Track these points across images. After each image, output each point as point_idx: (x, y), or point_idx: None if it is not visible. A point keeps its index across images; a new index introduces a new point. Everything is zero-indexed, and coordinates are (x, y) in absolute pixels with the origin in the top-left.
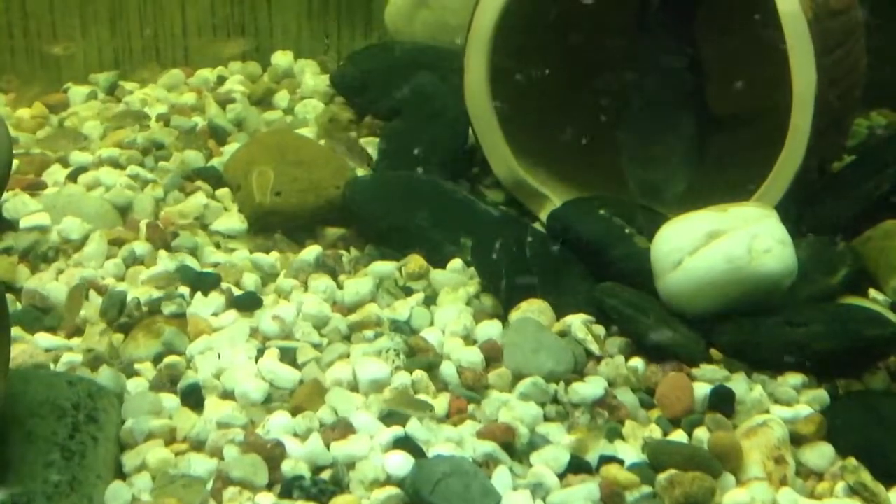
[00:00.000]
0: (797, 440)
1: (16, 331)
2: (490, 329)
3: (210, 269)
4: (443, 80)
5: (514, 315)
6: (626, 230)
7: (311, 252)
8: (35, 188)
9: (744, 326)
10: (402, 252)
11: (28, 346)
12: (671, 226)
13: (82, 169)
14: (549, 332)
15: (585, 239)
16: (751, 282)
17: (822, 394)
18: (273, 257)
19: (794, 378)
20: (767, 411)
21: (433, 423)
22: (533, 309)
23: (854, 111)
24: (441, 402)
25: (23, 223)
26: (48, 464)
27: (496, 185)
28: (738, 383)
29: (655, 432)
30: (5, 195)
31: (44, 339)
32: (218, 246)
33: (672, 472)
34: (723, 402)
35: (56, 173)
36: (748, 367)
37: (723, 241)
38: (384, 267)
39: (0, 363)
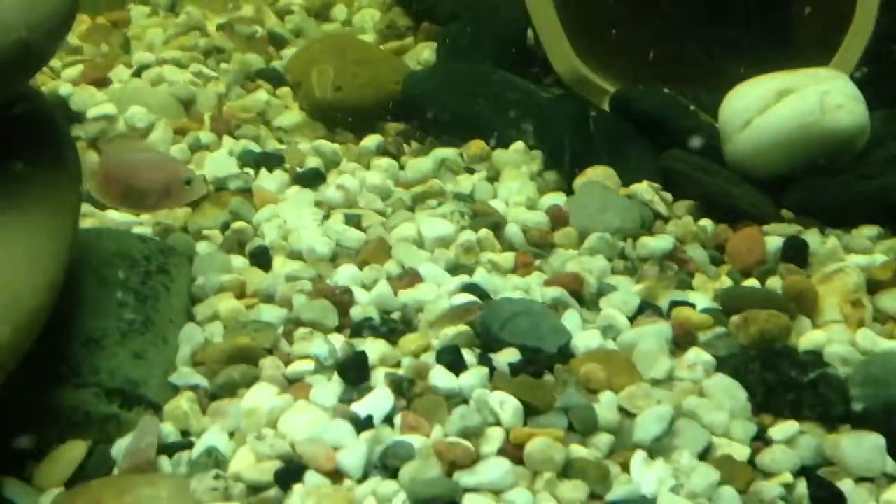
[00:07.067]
0: (873, 287)
1: (85, 207)
2: (554, 199)
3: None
4: None
5: (579, 181)
6: (691, 107)
7: (373, 140)
8: (101, 84)
9: (816, 182)
10: (463, 140)
11: (97, 221)
12: (741, 87)
13: (146, 67)
14: (615, 192)
15: (651, 113)
16: (822, 138)
17: None
18: (335, 146)
19: (870, 230)
20: (842, 261)
21: (499, 274)
22: (598, 174)
23: None
24: (507, 258)
25: (90, 113)
26: (121, 304)
27: (556, 84)
28: (812, 236)
29: (726, 284)
30: (71, 88)
31: (114, 213)
32: (280, 141)
33: (746, 312)
34: (797, 252)
35: (121, 73)
36: (821, 224)
37: (793, 98)
38: (446, 151)
39: (72, 203)
